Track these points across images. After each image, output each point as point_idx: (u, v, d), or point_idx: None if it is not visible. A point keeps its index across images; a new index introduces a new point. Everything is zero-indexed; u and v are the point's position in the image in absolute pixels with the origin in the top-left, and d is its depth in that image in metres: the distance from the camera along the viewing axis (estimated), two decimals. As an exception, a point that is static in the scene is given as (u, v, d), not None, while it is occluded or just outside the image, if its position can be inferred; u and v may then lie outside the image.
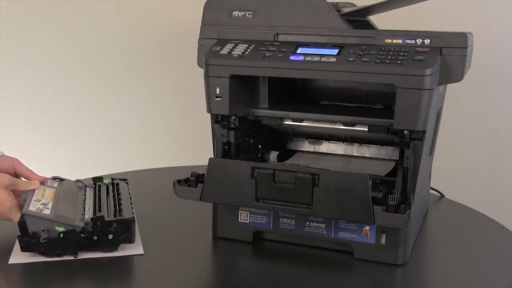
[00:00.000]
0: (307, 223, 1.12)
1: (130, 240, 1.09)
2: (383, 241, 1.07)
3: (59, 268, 1.03)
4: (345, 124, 1.16)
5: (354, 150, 1.31)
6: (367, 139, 1.29)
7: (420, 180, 1.08)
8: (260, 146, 1.30)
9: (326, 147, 1.34)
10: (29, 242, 1.04)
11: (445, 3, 1.64)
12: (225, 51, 1.13)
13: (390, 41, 1.07)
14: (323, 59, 1.07)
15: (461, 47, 1.03)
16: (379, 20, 1.29)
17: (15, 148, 1.95)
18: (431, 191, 1.42)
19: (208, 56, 1.12)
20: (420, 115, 1.01)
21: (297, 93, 1.36)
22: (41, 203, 1.09)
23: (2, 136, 1.95)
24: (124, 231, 1.08)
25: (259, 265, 1.11)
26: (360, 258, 1.09)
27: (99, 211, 1.12)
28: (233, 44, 1.14)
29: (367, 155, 1.29)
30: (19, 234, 1.04)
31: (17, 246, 1.06)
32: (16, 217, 1.06)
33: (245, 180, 1.06)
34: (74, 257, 1.06)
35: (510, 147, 1.75)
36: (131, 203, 1.17)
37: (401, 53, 1.04)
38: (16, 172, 1.18)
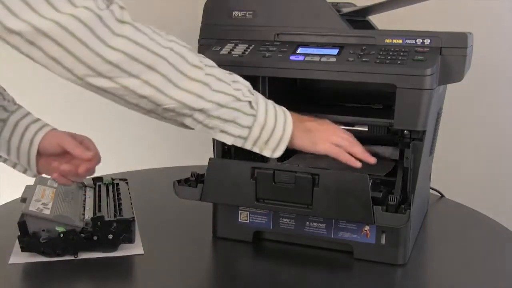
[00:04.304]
0: (307, 223, 1.12)
1: (130, 240, 1.09)
2: (383, 241, 1.07)
3: (59, 268, 1.03)
4: (345, 124, 1.16)
5: (354, 150, 1.31)
6: (367, 139, 1.29)
7: (420, 180, 1.08)
8: (260, 146, 1.30)
9: (326, 147, 1.33)
10: (29, 242, 1.04)
11: (445, 3, 1.64)
12: (225, 51, 1.13)
13: (390, 41, 1.07)
14: (323, 59, 1.07)
15: (461, 47, 1.03)
16: (379, 20, 1.29)
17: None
18: (431, 191, 1.42)
19: (208, 56, 1.12)
20: (420, 115, 1.01)
21: (297, 93, 1.35)
22: (41, 203, 1.09)
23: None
24: (124, 231, 1.08)
25: (259, 265, 1.11)
26: (360, 258, 1.09)
27: (99, 211, 1.12)
28: (233, 44, 1.14)
29: (367, 155, 1.29)
30: (19, 234, 1.04)
31: (17, 246, 1.06)
32: None
33: (245, 180, 1.06)
34: (74, 257, 1.06)
35: (510, 147, 1.75)
36: (131, 203, 1.17)
37: (401, 53, 1.04)
38: (64, 149, 1.08)
